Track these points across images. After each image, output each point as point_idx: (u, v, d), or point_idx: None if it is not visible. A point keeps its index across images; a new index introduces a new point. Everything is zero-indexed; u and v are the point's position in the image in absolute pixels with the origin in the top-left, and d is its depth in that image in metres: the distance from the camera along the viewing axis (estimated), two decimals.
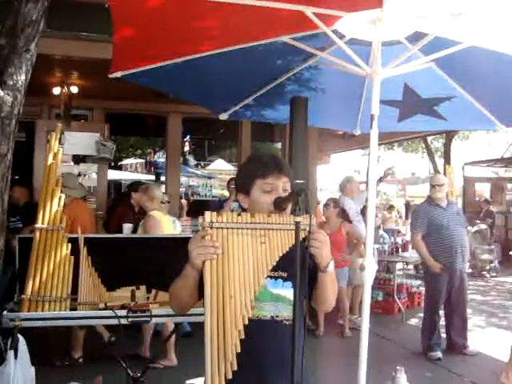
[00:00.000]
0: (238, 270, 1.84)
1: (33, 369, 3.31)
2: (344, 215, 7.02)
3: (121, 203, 7.23)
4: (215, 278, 1.81)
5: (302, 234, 1.89)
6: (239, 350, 1.77)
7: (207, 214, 1.85)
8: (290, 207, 1.96)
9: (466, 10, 2.59)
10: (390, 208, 16.00)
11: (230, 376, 1.75)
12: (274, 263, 1.88)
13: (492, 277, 12.67)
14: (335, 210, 6.89)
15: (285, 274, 1.97)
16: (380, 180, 7.94)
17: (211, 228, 1.84)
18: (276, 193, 1.98)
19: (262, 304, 1.92)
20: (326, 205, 7.12)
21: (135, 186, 7.15)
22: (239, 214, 1.89)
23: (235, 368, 1.75)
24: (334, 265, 2.00)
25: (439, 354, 5.93)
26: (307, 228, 1.90)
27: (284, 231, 1.88)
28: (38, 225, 3.60)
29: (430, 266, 5.92)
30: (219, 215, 1.86)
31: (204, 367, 2.02)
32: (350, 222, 7.05)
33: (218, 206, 7.01)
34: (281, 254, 1.88)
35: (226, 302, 1.80)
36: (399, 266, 8.90)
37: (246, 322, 1.81)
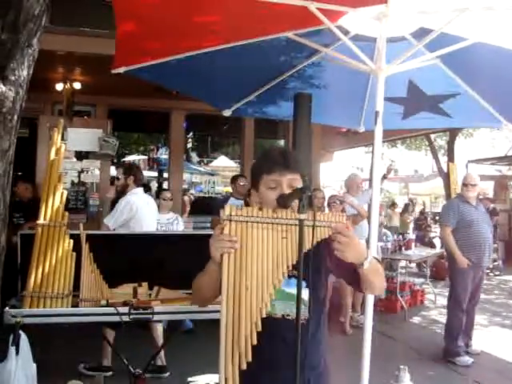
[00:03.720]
0: (257, 263, 1.83)
1: (34, 366, 3.30)
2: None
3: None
4: (233, 270, 1.81)
5: (329, 232, 1.84)
6: (255, 343, 1.76)
7: (227, 207, 1.86)
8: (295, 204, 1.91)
9: (472, 5, 2.56)
10: (393, 205, 15.95)
11: (243, 367, 1.75)
12: (297, 259, 1.83)
13: (495, 275, 12.64)
14: (340, 207, 6.86)
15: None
16: (384, 177, 7.93)
17: (230, 221, 1.83)
18: (280, 189, 1.95)
19: (274, 302, 1.91)
20: (329, 203, 7.06)
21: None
22: (260, 208, 1.88)
23: (250, 359, 1.75)
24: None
25: (468, 359, 5.81)
26: (332, 225, 1.84)
27: (306, 228, 1.82)
28: (40, 221, 3.59)
29: (458, 262, 5.80)
30: (240, 209, 1.86)
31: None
32: None
33: (223, 203, 7.03)
34: (305, 250, 1.81)
35: (242, 293, 1.80)
36: (402, 263, 8.86)
37: (264, 316, 1.80)
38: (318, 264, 1.92)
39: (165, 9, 2.66)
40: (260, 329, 1.78)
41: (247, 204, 2.05)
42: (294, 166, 1.99)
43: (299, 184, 1.97)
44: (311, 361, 1.95)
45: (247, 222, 1.84)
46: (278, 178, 1.96)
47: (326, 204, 7.20)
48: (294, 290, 1.92)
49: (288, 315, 1.95)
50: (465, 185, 6.03)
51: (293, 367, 1.85)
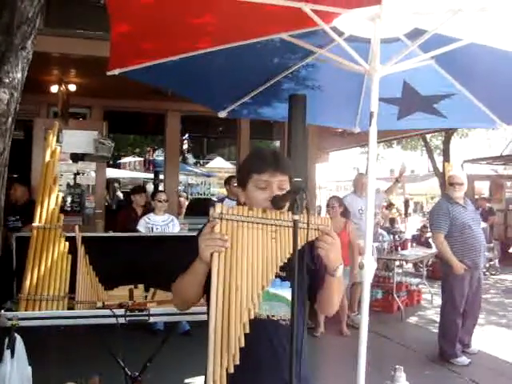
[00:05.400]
0: (247, 263, 1.82)
1: (29, 368, 3.29)
2: (346, 213, 7.00)
3: (124, 207, 7.65)
4: (222, 269, 1.79)
5: (315, 234, 1.89)
6: (243, 345, 1.75)
7: (218, 205, 1.85)
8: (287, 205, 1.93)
9: (466, 6, 2.57)
10: (390, 206, 15.95)
11: (231, 370, 1.73)
12: (285, 260, 1.85)
13: (492, 275, 12.66)
14: (339, 208, 6.86)
15: (283, 274, 1.94)
16: (397, 181, 7.98)
17: (221, 219, 1.82)
18: (270, 190, 1.95)
19: None
20: (328, 204, 7.05)
21: (136, 189, 7.58)
22: (251, 209, 1.87)
23: (237, 362, 1.73)
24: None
25: (465, 359, 5.80)
26: (320, 227, 1.89)
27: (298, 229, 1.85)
28: (36, 223, 3.58)
29: (454, 268, 5.66)
30: (230, 208, 1.85)
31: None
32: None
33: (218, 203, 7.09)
34: (291, 252, 1.84)
35: (231, 293, 1.78)
36: (398, 263, 8.89)
37: (252, 317, 1.79)
38: (302, 265, 1.93)
39: (159, 10, 2.66)
40: (248, 330, 1.76)
41: (240, 205, 2.03)
42: (285, 167, 2.00)
43: (288, 186, 1.99)
44: (298, 369, 1.89)
45: (238, 221, 1.83)
46: (268, 178, 1.96)
47: (325, 205, 7.22)
48: (278, 291, 1.95)
49: (273, 316, 1.95)
50: (451, 184, 5.86)
51: (277, 369, 1.86)
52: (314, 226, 1.88)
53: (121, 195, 15.11)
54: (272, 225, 1.87)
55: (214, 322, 1.75)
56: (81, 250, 3.65)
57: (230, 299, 1.78)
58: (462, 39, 2.93)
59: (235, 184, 2.37)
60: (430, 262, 10.93)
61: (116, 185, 15.89)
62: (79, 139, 8.17)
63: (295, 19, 2.85)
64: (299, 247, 1.83)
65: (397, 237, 11.34)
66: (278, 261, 1.85)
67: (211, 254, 1.79)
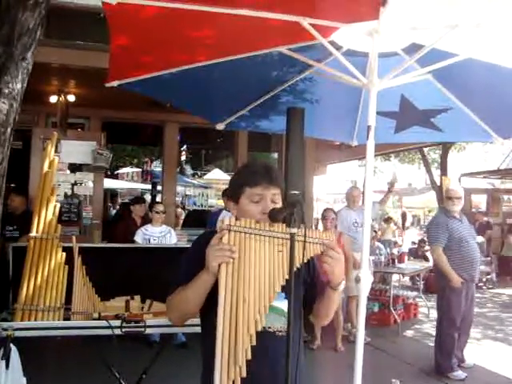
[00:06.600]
0: (254, 275, 1.83)
1: (24, 379, 3.28)
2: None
3: (123, 218, 7.85)
4: (230, 281, 1.80)
5: (321, 249, 1.91)
6: (250, 357, 1.75)
7: (226, 217, 1.87)
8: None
9: (462, 22, 2.60)
10: (388, 219, 15.95)
11: (238, 382, 1.74)
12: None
13: (489, 288, 12.65)
14: (334, 220, 6.84)
15: None
16: (389, 191, 7.98)
17: (229, 231, 1.83)
18: (264, 204, 1.97)
19: None
20: (324, 216, 6.99)
21: (136, 200, 7.60)
22: (258, 222, 1.89)
23: (244, 375, 1.74)
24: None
25: (461, 373, 5.79)
26: (325, 242, 1.92)
27: (300, 243, 1.87)
28: (33, 233, 3.58)
29: (452, 281, 5.66)
30: (238, 220, 1.87)
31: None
32: None
33: (216, 216, 7.09)
34: (298, 266, 1.86)
35: (239, 305, 1.79)
36: (395, 277, 8.88)
37: (259, 328, 1.80)
38: (300, 278, 1.95)
39: (158, 23, 2.68)
40: (255, 342, 1.77)
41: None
42: (277, 180, 2.02)
43: (280, 199, 2.00)
44: (295, 380, 1.90)
45: (245, 233, 1.84)
46: (262, 191, 1.98)
47: (320, 217, 7.18)
48: (275, 302, 1.94)
49: (269, 327, 1.95)
50: (450, 198, 5.86)
51: (273, 379, 1.86)
52: (318, 240, 1.90)
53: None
54: (278, 238, 1.88)
55: (222, 334, 1.76)
56: (78, 260, 3.64)
57: (237, 311, 1.79)
58: (458, 54, 2.95)
59: None
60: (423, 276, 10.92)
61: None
62: (77, 149, 8.18)
63: (294, 33, 2.87)
64: (305, 261, 1.86)
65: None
66: (284, 274, 1.87)
67: (219, 265, 1.80)
